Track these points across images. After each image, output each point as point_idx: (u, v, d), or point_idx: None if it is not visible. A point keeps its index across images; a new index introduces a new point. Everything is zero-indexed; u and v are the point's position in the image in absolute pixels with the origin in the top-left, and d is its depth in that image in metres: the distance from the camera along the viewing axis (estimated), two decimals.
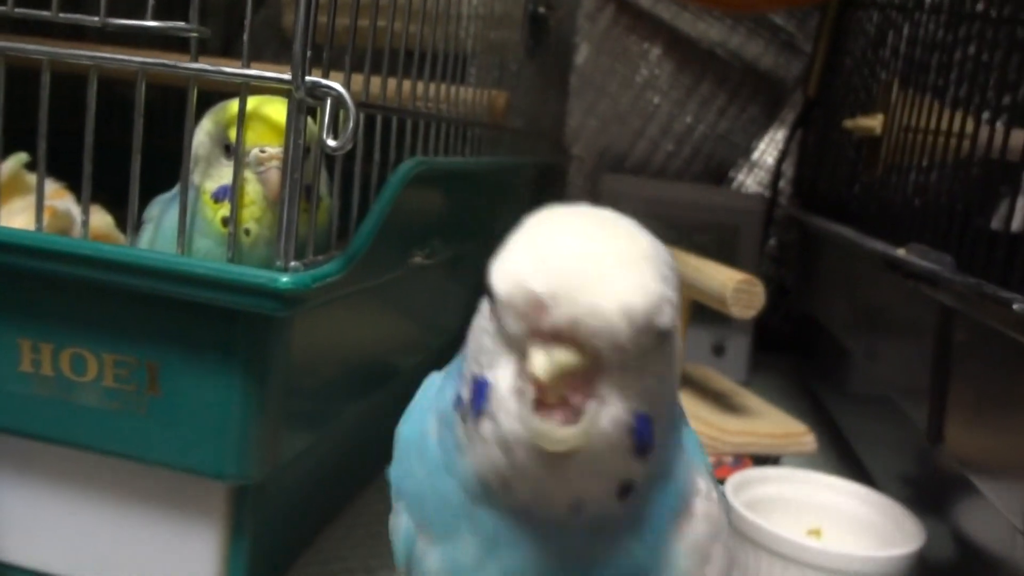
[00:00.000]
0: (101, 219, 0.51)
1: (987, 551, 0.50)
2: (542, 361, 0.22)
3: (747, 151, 1.15)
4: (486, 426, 0.24)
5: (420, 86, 0.52)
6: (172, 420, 0.42)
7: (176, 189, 0.46)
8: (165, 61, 0.39)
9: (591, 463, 0.23)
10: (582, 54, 1.14)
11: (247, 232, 0.43)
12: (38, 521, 0.46)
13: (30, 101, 0.42)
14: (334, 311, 0.47)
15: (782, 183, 1.13)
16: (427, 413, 0.29)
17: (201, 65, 0.39)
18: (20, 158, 0.49)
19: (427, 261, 0.54)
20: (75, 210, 0.49)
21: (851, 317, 0.79)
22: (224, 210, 0.42)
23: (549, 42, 0.86)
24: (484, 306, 0.26)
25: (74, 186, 0.52)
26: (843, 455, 0.80)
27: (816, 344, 1.01)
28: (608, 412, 0.23)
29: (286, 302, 0.39)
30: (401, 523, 0.30)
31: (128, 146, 0.40)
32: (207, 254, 0.43)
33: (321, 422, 0.49)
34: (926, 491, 0.61)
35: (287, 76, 0.37)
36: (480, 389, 0.24)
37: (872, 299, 0.71)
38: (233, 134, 0.39)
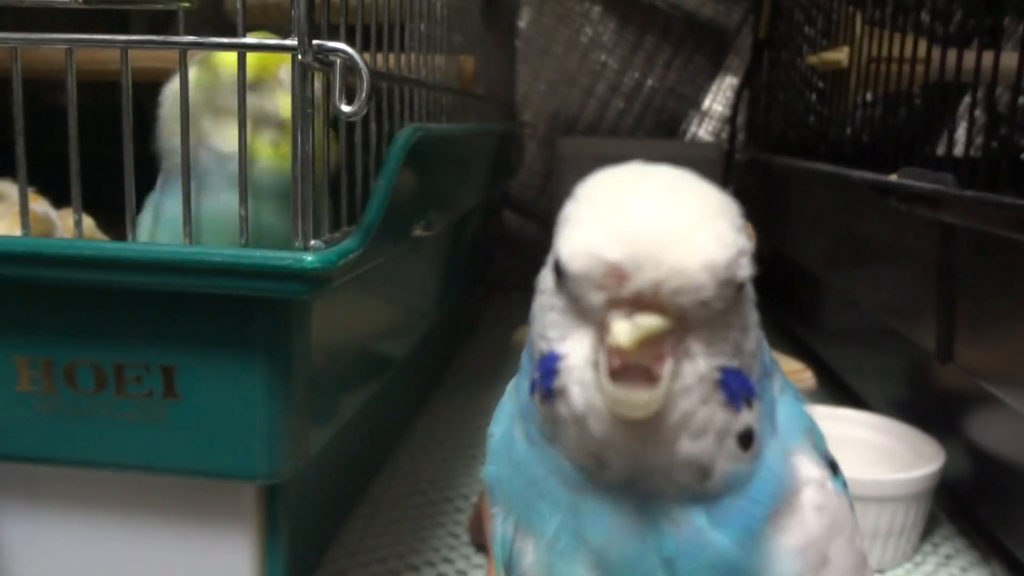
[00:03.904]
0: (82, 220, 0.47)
1: (1012, 456, 0.51)
2: (627, 329, 0.21)
3: (696, 102, 1.16)
4: (560, 404, 0.23)
5: (403, 56, 0.50)
6: (195, 424, 0.39)
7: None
8: (153, 38, 0.36)
9: (682, 423, 0.23)
10: (524, 18, 1.13)
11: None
12: (54, 551, 0.43)
13: None
14: (347, 291, 0.45)
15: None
16: (511, 413, 0.27)
17: (192, 38, 0.36)
18: None
19: (426, 233, 0.52)
20: (52, 213, 0.45)
21: (831, 251, 0.80)
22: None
23: (501, 5, 0.84)
24: (545, 283, 0.25)
25: (41, 191, 0.49)
26: (836, 388, 0.81)
27: (788, 284, 1.02)
28: (692, 369, 0.23)
29: (312, 283, 0.36)
30: (498, 526, 0.28)
31: (91, 155, 0.37)
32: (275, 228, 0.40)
33: (344, 410, 0.47)
34: (935, 411, 0.62)
35: (291, 42, 0.35)
36: (549, 364, 0.23)
37: (857, 229, 0.72)
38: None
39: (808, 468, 0.26)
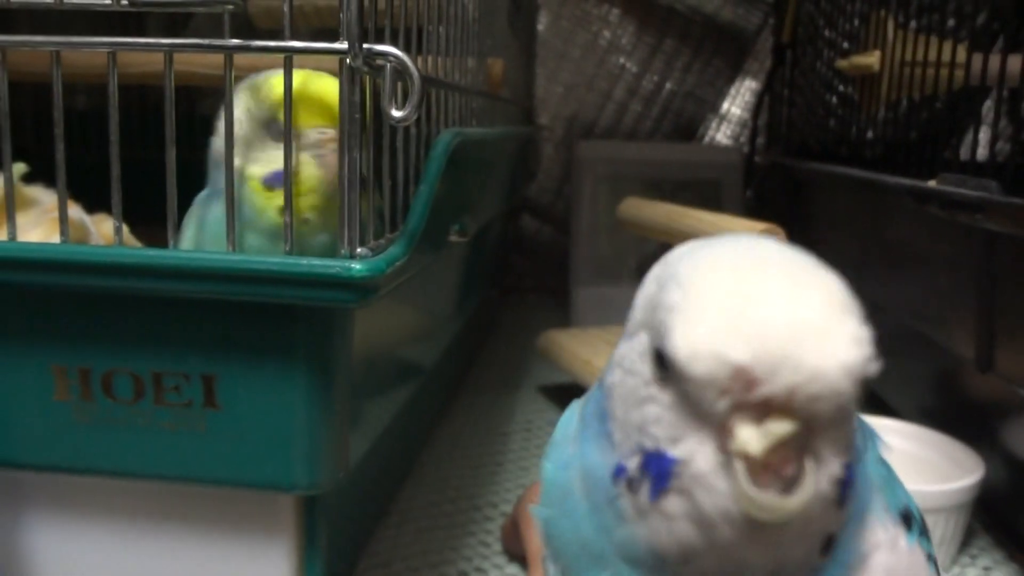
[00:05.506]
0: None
1: None
2: (755, 436, 0.20)
3: (715, 105, 1.15)
4: (673, 503, 0.22)
5: (439, 59, 0.49)
6: (235, 434, 0.39)
7: (209, 189, 0.43)
8: (199, 41, 0.35)
9: (804, 526, 0.21)
10: (542, 21, 1.12)
11: (306, 222, 0.39)
12: (90, 562, 0.42)
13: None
14: (386, 299, 0.44)
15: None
16: (570, 455, 0.26)
17: (238, 42, 0.35)
18: (19, 168, 0.44)
19: (461, 239, 0.51)
20: (86, 219, 0.45)
21: (858, 256, 0.79)
22: (279, 198, 0.38)
23: (524, 7, 0.83)
24: (635, 366, 0.23)
25: (74, 196, 0.48)
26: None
27: None
28: (825, 472, 0.21)
29: (360, 291, 0.36)
30: (549, 567, 0.27)
31: (131, 160, 0.37)
32: (259, 251, 0.40)
33: (382, 419, 0.47)
34: (970, 420, 0.61)
35: (340, 45, 0.34)
36: (660, 467, 0.22)
37: (887, 234, 0.71)
38: (282, 114, 0.36)
39: (878, 532, 0.25)
